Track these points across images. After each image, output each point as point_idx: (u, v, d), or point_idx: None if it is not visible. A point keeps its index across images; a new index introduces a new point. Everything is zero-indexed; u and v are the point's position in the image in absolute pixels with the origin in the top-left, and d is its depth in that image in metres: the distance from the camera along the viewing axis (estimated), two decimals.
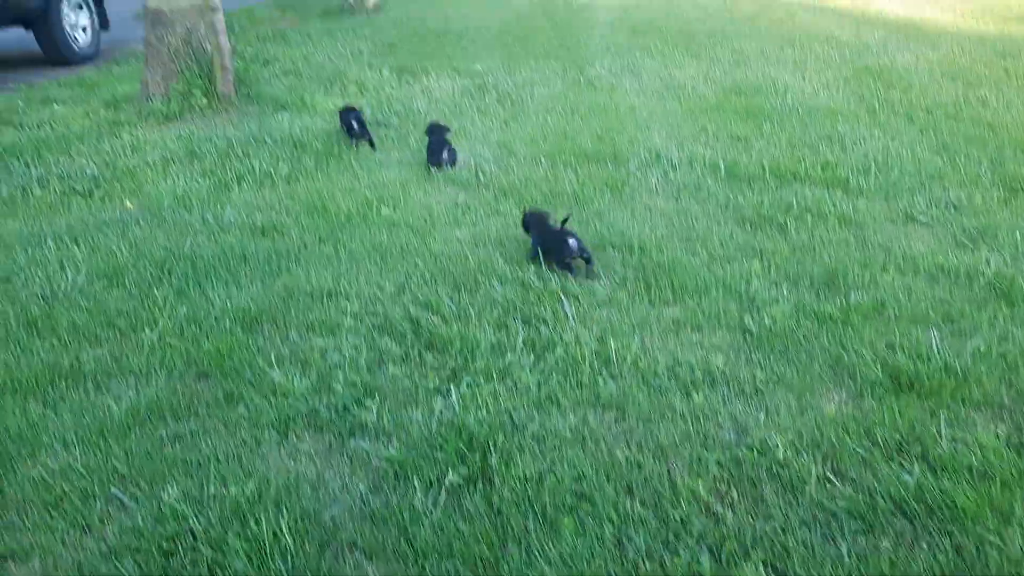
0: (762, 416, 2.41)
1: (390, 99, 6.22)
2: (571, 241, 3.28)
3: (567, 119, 5.56)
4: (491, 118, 5.71)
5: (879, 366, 2.63)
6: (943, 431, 2.29)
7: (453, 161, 4.62)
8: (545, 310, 3.01)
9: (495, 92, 6.36)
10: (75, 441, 2.36)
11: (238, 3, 13.02)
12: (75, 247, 3.64)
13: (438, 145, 4.65)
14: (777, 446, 2.24)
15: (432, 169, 4.57)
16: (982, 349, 2.68)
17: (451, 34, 9.06)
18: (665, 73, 6.78)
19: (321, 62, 7.76)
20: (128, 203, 4.21)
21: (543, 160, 4.68)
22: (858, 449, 2.23)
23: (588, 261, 3.31)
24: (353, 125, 5.03)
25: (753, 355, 2.74)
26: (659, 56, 7.42)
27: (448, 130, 4.86)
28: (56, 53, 8.85)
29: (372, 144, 5.03)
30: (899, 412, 2.38)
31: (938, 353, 2.66)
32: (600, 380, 2.59)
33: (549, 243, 3.35)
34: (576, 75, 6.85)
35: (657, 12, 9.83)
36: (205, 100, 5.83)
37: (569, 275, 3.23)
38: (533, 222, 3.52)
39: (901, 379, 2.54)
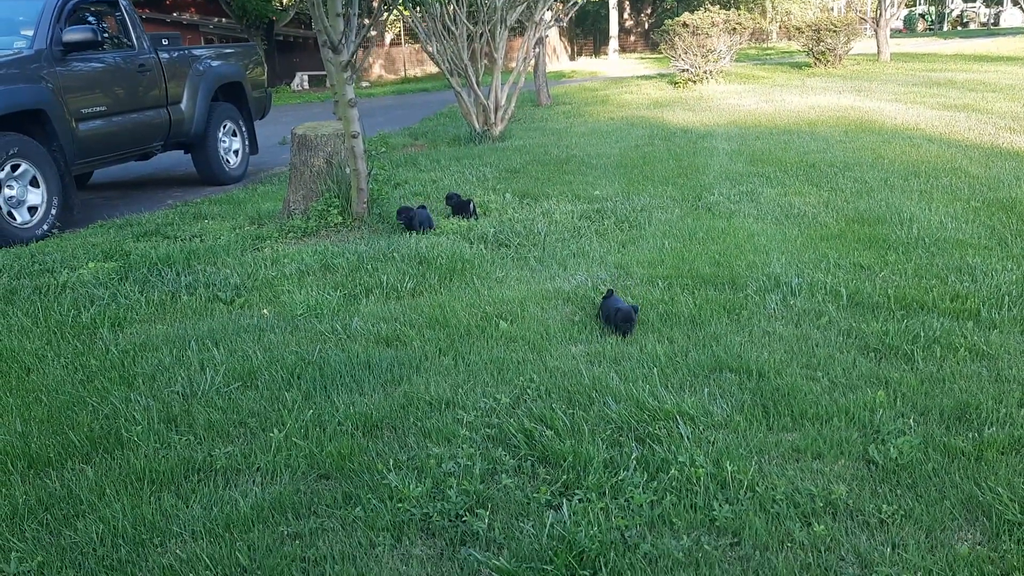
0: (888, 551, 2.30)
1: (512, 221, 6.45)
2: (632, 315, 4.07)
3: (685, 244, 5.61)
4: (609, 240, 5.83)
5: (1018, 506, 2.48)
6: None
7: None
8: (660, 429, 3.00)
9: (613, 216, 6.49)
10: (203, 532, 2.49)
11: (374, 130, 13.94)
12: (215, 350, 3.90)
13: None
14: None
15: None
16: None
17: (572, 161, 9.38)
18: (785, 201, 6.78)
19: (448, 185, 8.15)
20: (265, 311, 4.49)
21: (659, 282, 4.72)
22: None
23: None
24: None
25: (879, 487, 2.63)
26: (779, 185, 7.44)
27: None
28: (210, 174, 9.70)
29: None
30: None
31: None
32: (715, 503, 2.54)
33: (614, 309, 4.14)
34: (694, 201, 6.93)
35: (776, 143, 9.90)
36: (340, 218, 6.21)
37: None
38: (608, 296, 4.23)
39: None
